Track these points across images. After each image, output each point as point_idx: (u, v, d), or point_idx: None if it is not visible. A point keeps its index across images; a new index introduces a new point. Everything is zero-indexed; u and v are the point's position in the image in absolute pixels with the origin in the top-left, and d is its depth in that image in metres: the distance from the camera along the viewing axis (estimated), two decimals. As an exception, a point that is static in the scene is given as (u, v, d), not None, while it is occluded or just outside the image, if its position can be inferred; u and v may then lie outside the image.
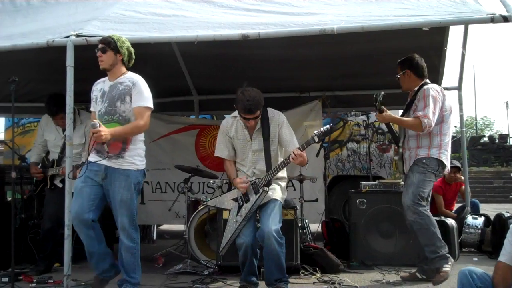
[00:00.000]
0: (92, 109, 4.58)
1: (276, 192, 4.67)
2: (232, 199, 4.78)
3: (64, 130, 5.60)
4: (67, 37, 4.89)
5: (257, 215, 4.74)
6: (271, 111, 4.77)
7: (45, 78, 7.03)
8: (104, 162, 4.33)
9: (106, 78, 4.52)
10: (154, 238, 8.59)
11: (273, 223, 4.46)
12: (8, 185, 6.66)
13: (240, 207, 4.65)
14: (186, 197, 6.39)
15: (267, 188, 4.55)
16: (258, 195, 4.55)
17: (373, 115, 8.64)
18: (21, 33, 5.50)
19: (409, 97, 5.26)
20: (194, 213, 6.06)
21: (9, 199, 6.94)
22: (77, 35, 4.90)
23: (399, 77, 5.28)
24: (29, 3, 6.53)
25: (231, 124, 4.80)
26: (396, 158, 5.31)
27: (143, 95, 4.41)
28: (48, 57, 5.69)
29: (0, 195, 6.23)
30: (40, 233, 6.01)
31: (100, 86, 4.50)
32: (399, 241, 5.87)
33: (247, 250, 4.58)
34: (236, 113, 4.76)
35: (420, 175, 4.98)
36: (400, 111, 5.52)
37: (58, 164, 5.77)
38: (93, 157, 4.38)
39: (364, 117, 8.79)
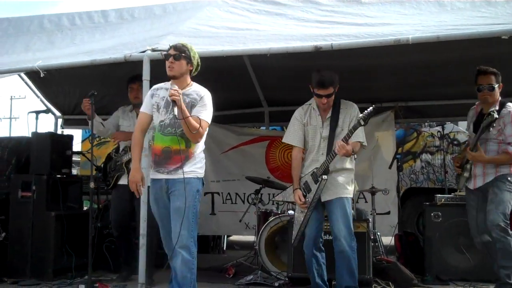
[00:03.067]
0: (145, 110, 4.35)
1: (340, 187, 4.59)
2: None
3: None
4: (144, 51, 5.04)
5: (325, 212, 4.70)
6: (344, 103, 4.75)
7: (121, 92, 7.25)
8: (164, 176, 4.17)
9: (167, 84, 4.28)
10: (224, 248, 8.65)
11: (342, 223, 4.48)
12: (85, 195, 6.90)
13: (304, 197, 4.64)
14: (257, 208, 6.43)
15: (325, 176, 4.48)
16: (317, 184, 4.52)
17: (448, 126, 8.41)
18: (100, 48, 5.73)
19: (476, 113, 5.06)
20: (265, 224, 6.07)
21: (85, 208, 7.20)
22: (153, 50, 5.04)
23: (491, 89, 4.87)
24: (106, 19, 6.78)
25: (306, 110, 4.82)
26: (466, 174, 4.99)
27: (206, 108, 4.26)
28: (124, 71, 5.90)
29: (78, 204, 6.40)
30: (114, 241, 6.19)
31: (163, 94, 4.26)
32: (475, 255, 5.64)
33: (309, 241, 4.64)
34: (310, 100, 4.80)
35: (509, 194, 4.74)
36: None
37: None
38: (153, 174, 4.26)
39: (439, 128, 8.55)
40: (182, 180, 4.05)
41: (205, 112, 4.23)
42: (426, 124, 8.79)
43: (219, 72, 6.90)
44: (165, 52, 4.37)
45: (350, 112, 4.70)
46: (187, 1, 6.74)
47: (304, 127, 4.78)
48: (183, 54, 4.20)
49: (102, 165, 6.05)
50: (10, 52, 6.58)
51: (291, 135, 4.83)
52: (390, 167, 6.51)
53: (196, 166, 4.23)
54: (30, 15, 7.39)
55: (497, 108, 4.83)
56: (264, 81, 7.62)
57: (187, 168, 4.13)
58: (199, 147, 4.32)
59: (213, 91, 7.42)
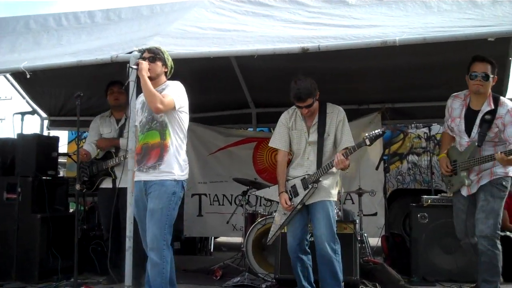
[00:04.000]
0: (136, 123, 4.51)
1: (325, 191, 4.59)
2: None
3: (117, 119, 5.94)
4: (130, 52, 5.00)
5: (308, 214, 4.68)
6: (330, 107, 4.75)
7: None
8: (143, 177, 4.22)
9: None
10: (212, 250, 8.63)
11: (325, 226, 4.48)
12: (71, 197, 6.85)
13: (289, 200, 4.64)
14: (244, 210, 6.43)
15: (316, 184, 4.51)
16: (307, 190, 4.54)
17: (434, 127, 8.44)
18: (86, 49, 5.66)
19: (465, 107, 4.75)
20: (252, 226, 6.06)
21: (72, 210, 7.15)
22: (140, 51, 5.00)
23: (485, 78, 4.56)
24: (93, 20, 6.73)
25: (291, 115, 4.82)
26: (467, 183, 4.64)
27: (170, 90, 4.29)
28: (110, 72, 5.87)
29: (63, 206, 6.35)
30: (100, 243, 6.15)
31: (141, 98, 4.41)
32: (461, 256, 5.64)
33: (293, 244, 4.64)
34: None
35: (501, 201, 4.54)
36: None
37: (116, 155, 5.81)
38: (136, 176, 4.30)
39: (425, 129, 8.57)
40: (158, 182, 4.13)
41: (167, 90, 4.28)
42: (413, 125, 8.81)
43: (207, 73, 6.91)
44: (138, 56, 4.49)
45: (336, 117, 4.70)
46: (174, 2, 6.71)
47: (289, 131, 4.78)
48: (158, 56, 4.34)
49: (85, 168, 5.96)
50: (-5, 53, 6.51)
51: (277, 139, 4.84)
52: (377, 169, 6.53)
53: (172, 167, 4.19)
54: (16, 15, 7.32)
55: (491, 105, 4.59)
56: (251, 83, 7.62)
57: (164, 168, 4.16)
58: (177, 142, 4.27)
59: (200, 92, 7.53)
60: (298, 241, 4.65)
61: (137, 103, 4.51)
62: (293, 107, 4.84)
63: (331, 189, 4.63)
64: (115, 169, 5.72)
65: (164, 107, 4.13)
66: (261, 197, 7.56)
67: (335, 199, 4.70)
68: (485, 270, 4.53)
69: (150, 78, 4.22)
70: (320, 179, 4.55)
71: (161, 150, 4.18)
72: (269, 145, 4.98)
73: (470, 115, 4.71)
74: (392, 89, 7.23)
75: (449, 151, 4.93)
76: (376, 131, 4.36)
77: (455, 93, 4.96)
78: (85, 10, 6.99)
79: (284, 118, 4.86)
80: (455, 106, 4.86)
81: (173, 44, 5.12)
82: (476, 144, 4.58)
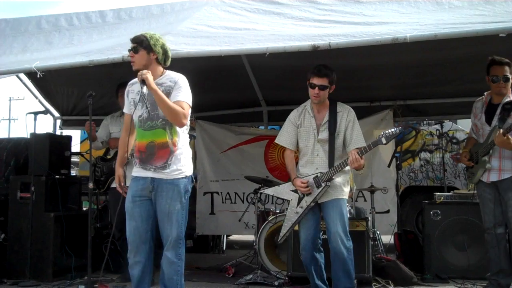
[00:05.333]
0: (126, 111, 4.23)
1: (337, 189, 4.59)
2: (292, 190, 4.73)
3: None
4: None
5: (320, 212, 4.69)
6: (340, 106, 4.74)
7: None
8: (150, 174, 4.01)
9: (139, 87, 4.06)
10: (224, 248, 8.65)
11: (338, 224, 4.47)
12: (84, 196, 6.90)
13: (300, 199, 4.64)
14: (256, 208, 6.44)
15: (329, 183, 4.51)
16: (320, 189, 4.53)
17: (447, 124, 8.41)
18: (97, 49, 5.70)
19: (486, 103, 4.97)
20: (264, 224, 6.08)
21: (85, 208, 7.20)
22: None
23: (506, 80, 4.78)
24: (104, 20, 6.76)
25: (300, 112, 4.81)
26: (488, 166, 4.80)
27: (182, 90, 4.01)
28: (122, 71, 5.88)
29: (77, 205, 6.40)
30: (113, 242, 6.17)
31: (137, 88, 4.05)
32: (474, 253, 5.68)
33: (307, 243, 4.63)
34: (306, 102, 4.82)
35: None
36: (468, 121, 5.32)
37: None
38: (136, 171, 4.09)
39: (437, 126, 8.55)
40: (170, 181, 3.99)
41: (182, 93, 4.01)
42: (425, 122, 8.80)
43: (218, 72, 6.92)
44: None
45: (347, 116, 4.69)
46: (185, 0, 6.72)
47: (297, 129, 4.77)
48: (143, 45, 4.00)
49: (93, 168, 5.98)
50: (7, 53, 6.56)
51: (284, 136, 4.84)
52: (389, 166, 6.50)
53: (181, 164, 4.06)
54: (28, 16, 7.38)
55: (510, 97, 4.81)
56: (262, 81, 7.62)
57: (174, 166, 4.01)
58: (182, 138, 4.11)
59: (212, 90, 7.56)
60: (311, 240, 4.65)
61: (131, 91, 4.17)
62: (303, 104, 4.84)
63: (344, 187, 4.63)
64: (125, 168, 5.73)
65: (187, 120, 4.01)
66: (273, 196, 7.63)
67: (347, 197, 4.69)
68: None
69: (138, 71, 3.96)
70: (333, 177, 4.55)
71: (170, 149, 4.01)
72: (275, 141, 4.97)
73: (491, 109, 4.92)
74: (403, 86, 7.21)
75: (472, 148, 5.11)
76: (392, 129, 4.37)
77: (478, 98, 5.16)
78: (96, 10, 7.02)
79: (293, 115, 4.85)
80: (478, 105, 5.10)
81: (184, 43, 5.14)
82: (498, 126, 4.73)
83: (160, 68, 4.11)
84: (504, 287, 4.86)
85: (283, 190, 4.88)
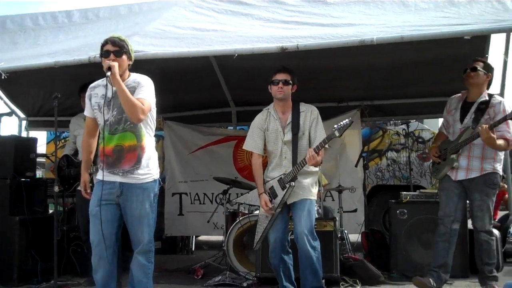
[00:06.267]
0: (88, 114, 4.13)
1: (306, 190, 4.61)
2: None
3: None
4: (107, 53, 4.96)
5: (289, 213, 4.71)
6: (303, 106, 4.76)
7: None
8: (118, 178, 3.96)
9: (104, 81, 3.99)
10: (193, 249, 8.62)
11: (305, 224, 4.49)
12: (50, 198, 6.80)
13: (269, 202, 4.63)
14: (225, 208, 6.43)
15: (293, 183, 4.51)
16: (285, 190, 4.53)
17: (413, 124, 8.52)
18: (63, 49, 5.63)
19: (461, 100, 5.05)
20: (233, 225, 6.07)
21: (51, 211, 7.09)
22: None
23: (474, 69, 4.87)
24: (70, 19, 6.68)
25: (265, 116, 4.81)
26: (455, 165, 4.92)
27: (144, 89, 3.96)
28: (89, 71, 5.81)
29: (42, 208, 6.29)
30: (80, 245, 6.11)
31: (101, 92, 4.00)
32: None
33: (276, 245, 4.63)
34: (269, 105, 4.84)
35: (493, 197, 4.91)
36: (440, 120, 5.41)
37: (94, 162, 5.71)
38: (103, 176, 3.98)
39: (404, 126, 8.67)
40: (140, 185, 3.97)
41: (143, 92, 3.95)
42: (392, 122, 8.91)
43: (186, 72, 6.90)
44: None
45: (310, 115, 4.71)
46: (153, 1, 6.69)
47: (264, 133, 4.78)
48: (124, 50, 3.98)
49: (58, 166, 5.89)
50: (-29, 53, 6.43)
51: (251, 142, 4.83)
52: (356, 166, 6.57)
53: (149, 168, 4.05)
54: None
55: (486, 97, 4.90)
56: (231, 81, 7.62)
57: (143, 170, 3.99)
58: (149, 141, 4.09)
59: (180, 91, 7.53)
60: (279, 242, 4.65)
61: (94, 95, 4.07)
62: (266, 108, 4.86)
63: (311, 187, 4.65)
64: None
65: (145, 116, 3.92)
66: (241, 194, 7.60)
67: (315, 197, 4.71)
68: (486, 256, 4.88)
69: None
70: (298, 177, 4.55)
71: (138, 152, 3.97)
72: (243, 147, 4.98)
73: (466, 106, 5.01)
74: (371, 87, 7.29)
75: (440, 143, 5.22)
76: (344, 121, 4.35)
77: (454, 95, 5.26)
78: (63, 10, 6.93)
79: (258, 120, 4.85)
80: (453, 101, 5.18)
81: (152, 44, 5.12)
82: (470, 127, 4.85)
83: (128, 72, 4.08)
84: (443, 282, 5.01)
85: (253, 197, 4.91)
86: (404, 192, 6.14)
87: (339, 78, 7.03)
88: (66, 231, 6.53)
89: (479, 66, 4.91)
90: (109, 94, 3.92)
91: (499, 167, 4.92)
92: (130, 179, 3.97)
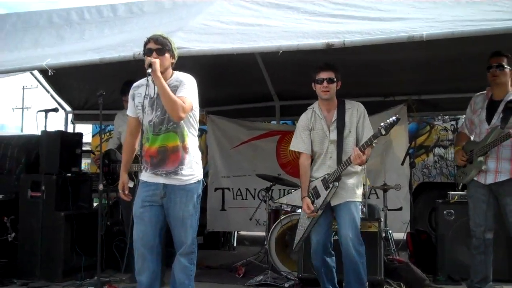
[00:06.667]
0: (131, 114, 4.12)
1: (350, 191, 4.48)
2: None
3: None
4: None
5: (333, 213, 4.58)
6: (349, 103, 4.63)
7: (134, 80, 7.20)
8: (161, 180, 3.94)
9: (146, 80, 3.91)
10: (234, 244, 8.59)
11: (349, 228, 4.37)
12: (95, 193, 6.87)
13: (312, 203, 4.52)
14: (267, 206, 6.36)
15: (337, 183, 4.39)
16: (328, 190, 4.42)
17: (461, 120, 8.27)
18: (108, 45, 5.62)
19: (487, 99, 4.84)
20: (275, 223, 6.00)
21: (96, 204, 7.17)
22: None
23: (501, 67, 4.69)
24: (116, 13, 6.69)
25: (310, 115, 4.70)
26: (484, 167, 4.65)
27: (186, 87, 3.91)
28: (134, 66, 5.81)
29: (87, 203, 6.36)
30: (123, 240, 6.12)
31: (144, 91, 3.95)
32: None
33: (318, 247, 4.54)
34: (313, 104, 4.75)
35: None
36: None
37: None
38: (147, 176, 3.99)
39: (452, 122, 8.42)
40: (183, 187, 3.94)
41: (185, 90, 3.90)
42: (440, 117, 8.66)
43: (230, 66, 6.83)
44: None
45: (356, 112, 4.57)
46: (196, -6, 6.63)
47: (310, 132, 4.67)
48: (167, 48, 3.94)
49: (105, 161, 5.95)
50: (19, 48, 6.52)
51: (298, 142, 4.72)
52: (402, 164, 6.38)
53: (193, 168, 4.02)
54: (39, 9, 7.33)
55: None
56: (275, 75, 7.53)
57: (186, 171, 3.96)
58: (192, 142, 4.06)
59: (223, 85, 7.48)
60: (322, 243, 4.55)
61: (137, 95, 4.06)
62: (310, 107, 4.76)
63: (356, 189, 4.52)
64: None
65: (185, 114, 3.86)
66: (284, 190, 7.54)
67: (360, 199, 4.58)
68: None
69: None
70: (342, 177, 4.44)
71: (181, 153, 3.95)
72: (290, 148, 4.90)
73: (492, 105, 4.77)
74: (418, 81, 7.09)
75: (465, 145, 4.96)
76: (391, 119, 4.21)
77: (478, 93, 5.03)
78: (108, 3, 6.96)
79: (303, 120, 4.75)
80: (478, 100, 4.96)
81: (196, 40, 5.05)
82: (499, 127, 4.60)
83: (171, 71, 4.05)
84: None
85: (295, 197, 4.84)
86: (452, 192, 5.94)
87: (386, 72, 6.85)
88: (110, 225, 6.60)
89: (504, 62, 4.70)
90: (152, 93, 3.90)
91: None
92: (173, 181, 3.94)
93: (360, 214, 4.68)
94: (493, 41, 5.31)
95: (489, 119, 4.74)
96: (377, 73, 6.88)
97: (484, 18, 4.58)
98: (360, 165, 4.41)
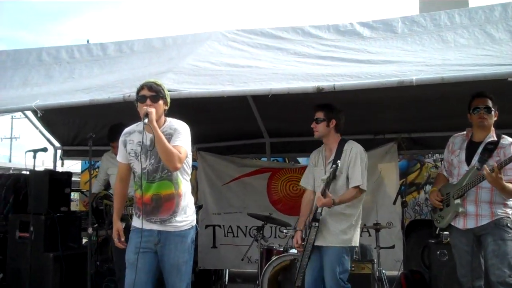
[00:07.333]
0: (122, 160, 4.08)
1: (334, 236, 4.44)
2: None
3: None
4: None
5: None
6: (348, 144, 4.66)
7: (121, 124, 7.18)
8: (155, 227, 3.94)
9: (139, 126, 3.93)
10: (226, 282, 8.47)
11: (329, 274, 4.38)
12: (83, 231, 6.79)
13: (302, 239, 4.60)
14: (259, 245, 6.31)
15: (316, 223, 4.39)
16: (309, 231, 4.43)
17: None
18: (98, 85, 5.64)
19: (467, 140, 4.69)
20: (268, 264, 5.94)
21: (85, 241, 7.07)
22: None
23: (489, 110, 4.54)
24: (105, 52, 6.72)
25: (318, 152, 4.82)
26: (461, 210, 4.44)
27: (180, 136, 3.92)
28: (123, 105, 5.81)
29: (77, 243, 6.28)
30: (114, 280, 6.05)
31: (137, 138, 3.95)
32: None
33: (310, 283, 4.55)
34: None
35: (510, 243, 4.31)
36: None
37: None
38: (140, 223, 3.92)
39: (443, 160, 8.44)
40: (178, 233, 3.94)
41: (180, 139, 3.91)
42: (430, 155, 8.68)
43: (220, 104, 6.81)
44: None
45: (349, 153, 4.58)
46: (187, 34, 6.67)
47: (313, 168, 4.76)
48: (160, 95, 3.94)
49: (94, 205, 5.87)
50: (8, 87, 6.52)
51: (304, 177, 4.88)
52: (394, 203, 6.37)
53: (187, 215, 4.03)
54: (29, 47, 7.34)
55: (494, 137, 4.52)
56: (265, 113, 7.54)
57: (180, 217, 3.96)
58: (187, 187, 4.08)
59: (213, 122, 7.47)
60: (313, 282, 4.54)
61: (129, 142, 4.03)
62: (323, 144, 4.82)
63: (343, 234, 4.46)
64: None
65: (181, 164, 3.86)
66: (275, 228, 7.49)
67: (351, 244, 4.50)
68: None
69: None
70: (329, 219, 4.43)
71: (176, 200, 3.95)
72: (300, 184, 4.99)
73: (471, 146, 4.65)
74: (408, 119, 7.11)
75: (442, 187, 4.80)
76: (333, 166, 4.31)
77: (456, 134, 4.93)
78: (97, 42, 6.98)
79: (312, 155, 4.87)
80: (456, 141, 4.84)
81: (186, 81, 5.06)
82: (476, 167, 4.45)
83: (163, 118, 4.05)
84: None
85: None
86: (445, 232, 5.89)
87: (376, 110, 6.88)
88: (99, 264, 6.51)
89: (490, 104, 4.57)
90: (146, 142, 3.91)
91: (511, 212, 4.42)
92: (168, 227, 3.94)
93: (348, 257, 4.54)
94: (483, 82, 5.38)
95: (468, 160, 4.60)
96: (367, 111, 6.90)
97: (473, 62, 4.63)
98: (326, 206, 4.37)
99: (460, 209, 4.48)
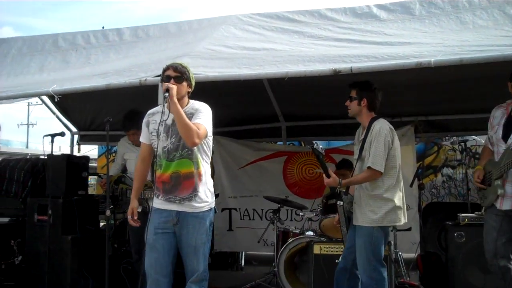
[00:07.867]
0: (144, 141, 4.13)
1: (363, 215, 4.37)
2: None
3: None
4: (159, 76, 4.94)
5: None
6: (375, 123, 4.50)
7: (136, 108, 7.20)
8: (174, 207, 3.94)
9: (161, 107, 3.95)
10: (242, 265, 8.52)
11: (359, 254, 4.37)
12: (101, 214, 6.85)
13: None
14: (276, 227, 6.33)
15: (340, 202, 4.42)
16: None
17: (470, 140, 8.24)
18: (114, 70, 5.64)
19: (506, 115, 4.44)
20: (284, 246, 5.96)
21: (102, 224, 7.13)
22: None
23: None
24: (121, 38, 6.71)
25: (358, 130, 4.76)
26: (500, 192, 4.26)
27: (201, 115, 3.94)
28: (139, 88, 5.82)
29: (94, 226, 6.33)
30: (131, 262, 6.09)
31: (159, 118, 3.94)
32: (500, 277, 5.50)
33: (340, 264, 4.60)
34: None
35: None
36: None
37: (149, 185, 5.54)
38: (160, 203, 3.98)
39: (461, 143, 8.38)
40: (196, 215, 3.94)
41: (200, 117, 3.92)
42: (447, 138, 8.62)
43: (236, 87, 6.79)
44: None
45: (371, 133, 4.44)
46: (202, 19, 6.64)
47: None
48: (185, 76, 3.98)
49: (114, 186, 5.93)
50: (25, 72, 6.55)
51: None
52: (411, 186, 6.35)
53: (207, 196, 4.03)
54: (45, 34, 7.36)
55: None
56: (281, 97, 7.54)
57: (200, 198, 3.96)
58: (207, 168, 4.08)
59: (229, 106, 7.47)
60: (343, 261, 4.58)
61: (152, 122, 4.08)
62: None
63: (373, 213, 4.34)
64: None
65: (200, 140, 3.86)
66: (291, 210, 7.52)
67: (379, 224, 4.34)
68: None
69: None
70: (363, 198, 4.39)
71: (195, 180, 3.95)
72: None
73: (510, 123, 4.40)
74: (425, 102, 7.07)
75: (486, 164, 4.60)
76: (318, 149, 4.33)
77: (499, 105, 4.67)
78: (114, 28, 6.97)
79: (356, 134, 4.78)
80: (497, 114, 4.56)
81: (203, 65, 5.04)
82: (511, 148, 4.24)
83: (187, 99, 4.07)
84: None
85: None
86: (462, 214, 5.87)
87: (393, 93, 6.78)
88: (116, 248, 6.56)
89: None
90: (167, 120, 3.93)
91: None
92: (186, 208, 3.94)
93: (375, 239, 4.42)
94: (502, 64, 5.31)
95: (505, 138, 4.37)
96: (384, 94, 6.82)
97: (492, 43, 4.55)
98: (331, 186, 4.41)
99: (499, 191, 4.31)
